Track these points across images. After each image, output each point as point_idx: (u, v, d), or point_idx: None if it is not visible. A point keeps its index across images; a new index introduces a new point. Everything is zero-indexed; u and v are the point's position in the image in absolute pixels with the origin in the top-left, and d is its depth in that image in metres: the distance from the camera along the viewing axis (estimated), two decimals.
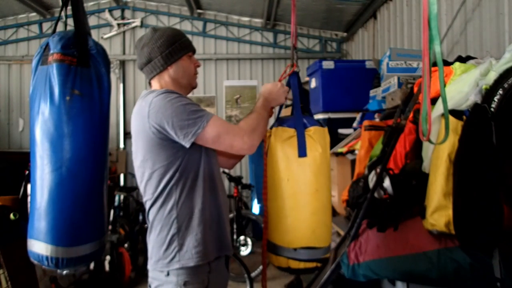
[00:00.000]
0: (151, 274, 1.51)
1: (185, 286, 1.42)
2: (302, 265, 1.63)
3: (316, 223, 1.61)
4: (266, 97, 1.61)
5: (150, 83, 1.61)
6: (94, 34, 5.98)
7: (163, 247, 1.47)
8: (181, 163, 1.44)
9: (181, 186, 1.46)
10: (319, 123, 1.67)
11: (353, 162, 2.78)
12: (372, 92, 3.34)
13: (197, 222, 1.47)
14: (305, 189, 1.59)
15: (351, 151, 2.87)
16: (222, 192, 1.59)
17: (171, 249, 1.45)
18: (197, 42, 6.15)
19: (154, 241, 1.50)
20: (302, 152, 1.58)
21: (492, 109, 1.37)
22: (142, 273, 4.26)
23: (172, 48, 1.53)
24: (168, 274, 1.44)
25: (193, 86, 1.63)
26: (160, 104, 1.40)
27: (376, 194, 1.94)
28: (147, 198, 1.51)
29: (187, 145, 1.41)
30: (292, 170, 1.60)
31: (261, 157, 1.69)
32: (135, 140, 1.51)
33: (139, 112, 1.48)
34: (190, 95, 1.66)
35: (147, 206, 1.53)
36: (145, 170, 1.48)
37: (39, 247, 1.57)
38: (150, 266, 1.52)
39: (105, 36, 6.20)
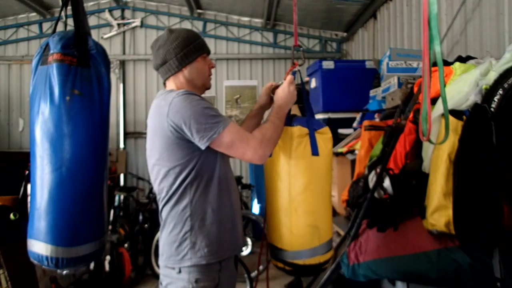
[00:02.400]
0: (162, 271, 1.53)
1: (196, 283, 1.44)
2: (280, 264, 1.69)
3: (276, 224, 1.66)
4: (279, 104, 1.60)
5: (165, 84, 1.62)
6: (94, 34, 5.98)
7: (175, 244, 1.48)
8: (197, 162, 1.46)
9: (196, 185, 1.47)
10: (289, 122, 1.65)
11: (353, 162, 2.78)
12: (372, 92, 3.34)
13: (211, 221, 1.48)
14: (268, 189, 1.69)
15: (351, 151, 2.87)
16: (235, 193, 1.61)
17: (184, 247, 1.46)
18: None
19: (166, 238, 1.51)
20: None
21: (492, 109, 1.37)
22: (142, 273, 4.26)
23: (187, 50, 1.54)
24: (179, 271, 1.46)
25: (207, 87, 1.64)
26: (181, 105, 1.42)
27: (376, 194, 1.94)
28: (161, 196, 1.52)
29: (202, 147, 1.43)
30: (266, 169, 1.71)
31: None
32: (152, 138, 1.52)
33: (158, 111, 1.49)
34: None
35: (160, 204, 1.54)
36: (161, 168, 1.49)
37: (39, 247, 1.57)
38: (161, 262, 1.54)
39: (105, 36, 6.20)
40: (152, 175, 1.56)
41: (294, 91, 1.64)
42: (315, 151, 1.60)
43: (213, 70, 1.66)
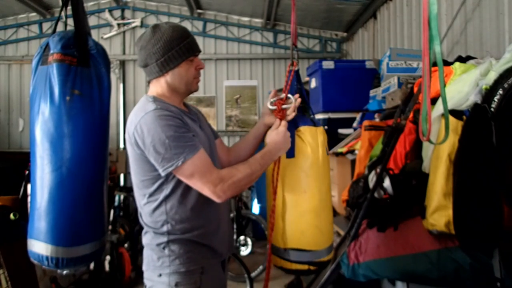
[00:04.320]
0: (145, 274, 1.54)
1: (176, 286, 1.42)
2: (293, 266, 1.64)
3: (305, 225, 1.60)
4: (271, 149, 1.52)
5: (149, 84, 1.59)
6: (94, 34, 5.98)
7: (154, 251, 1.47)
8: (171, 173, 1.39)
9: (173, 193, 1.43)
10: (312, 122, 1.65)
11: (353, 162, 2.77)
12: (372, 92, 3.34)
13: (189, 229, 1.45)
14: (292, 190, 1.60)
15: (351, 151, 2.87)
16: None
17: (162, 254, 1.45)
18: (197, 42, 6.12)
19: (146, 244, 1.52)
20: (290, 153, 1.59)
21: (492, 109, 1.37)
22: (142, 273, 4.26)
23: (168, 56, 1.44)
24: (160, 275, 1.46)
25: (193, 90, 1.56)
26: (144, 129, 1.36)
27: (376, 194, 1.94)
28: (138, 201, 1.51)
29: (162, 174, 1.38)
30: (283, 170, 1.61)
31: None
32: (127, 145, 1.48)
33: (130, 121, 1.44)
34: (190, 95, 1.65)
35: (139, 209, 1.52)
36: (136, 175, 1.47)
37: (39, 247, 1.57)
38: (143, 266, 1.54)
39: (105, 36, 6.20)
40: (132, 180, 1.52)
41: (289, 138, 1.55)
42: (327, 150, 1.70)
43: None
